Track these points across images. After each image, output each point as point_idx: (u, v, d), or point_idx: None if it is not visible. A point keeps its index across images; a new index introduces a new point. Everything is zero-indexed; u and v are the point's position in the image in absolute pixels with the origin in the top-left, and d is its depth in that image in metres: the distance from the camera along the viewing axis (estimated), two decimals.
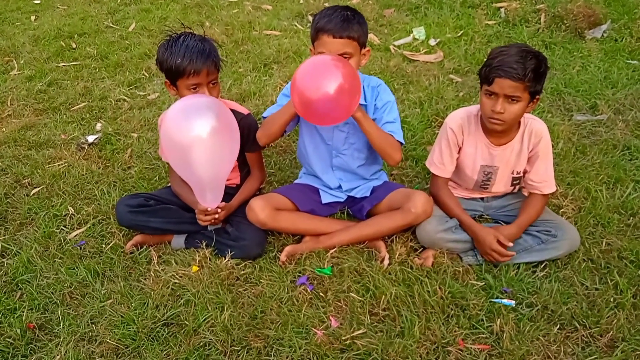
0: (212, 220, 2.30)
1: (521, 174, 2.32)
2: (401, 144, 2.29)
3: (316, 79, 2.01)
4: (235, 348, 1.94)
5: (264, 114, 2.37)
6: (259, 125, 2.40)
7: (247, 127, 2.38)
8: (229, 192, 2.45)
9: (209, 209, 2.25)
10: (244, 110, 2.48)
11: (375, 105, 2.33)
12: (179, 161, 2.11)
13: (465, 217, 2.29)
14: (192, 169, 2.08)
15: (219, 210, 2.28)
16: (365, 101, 2.33)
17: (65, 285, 2.25)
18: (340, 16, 2.15)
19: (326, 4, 5.13)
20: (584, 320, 1.96)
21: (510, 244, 2.18)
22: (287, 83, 2.45)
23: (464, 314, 2.01)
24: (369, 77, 2.41)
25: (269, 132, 2.30)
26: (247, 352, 1.93)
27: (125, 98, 3.79)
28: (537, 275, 2.18)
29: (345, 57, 2.14)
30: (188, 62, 2.20)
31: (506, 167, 2.30)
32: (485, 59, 2.16)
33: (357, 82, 2.04)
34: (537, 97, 2.11)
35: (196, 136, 2.01)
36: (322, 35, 2.15)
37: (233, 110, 2.42)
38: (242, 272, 2.24)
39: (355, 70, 2.08)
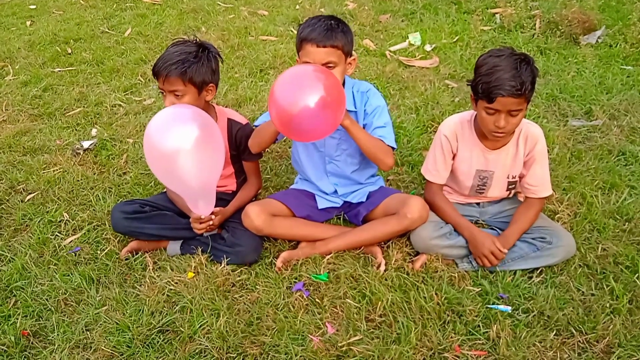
0: (207, 228, 2.30)
1: (517, 179, 2.32)
2: (393, 148, 2.29)
3: (295, 92, 1.92)
4: (231, 355, 1.93)
5: (256, 122, 2.36)
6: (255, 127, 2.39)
7: (245, 136, 2.38)
8: (225, 199, 2.45)
9: (202, 217, 2.25)
10: (242, 119, 2.48)
11: (365, 110, 2.32)
12: (164, 172, 2.08)
13: (463, 220, 2.29)
14: (178, 180, 2.06)
15: (213, 216, 2.28)
16: (355, 107, 2.32)
17: (60, 291, 2.24)
18: (323, 25, 2.13)
19: (322, 10, 5.16)
20: (580, 326, 1.96)
21: (506, 251, 2.18)
22: None
23: (460, 320, 2.01)
24: (358, 82, 2.39)
25: (259, 142, 2.30)
26: (243, 359, 1.92)
27: (121, 103, 3.79)
28: (533, 281, 2.18)
29: (329, 67, 2.11)
30: (156, 63, 2.22)
31: (502, 171, 2.30)
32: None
33: (341, 94, 1.98)
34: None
35: (178, 147, 1.97)
36: (306, 44, 2.14)
37: (230, 120, 2.43)
38: (238, 278, 2.23)
39: (339, 81, 2.03)
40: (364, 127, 2.29)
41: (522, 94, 2.00)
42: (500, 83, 2.00)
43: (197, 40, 2.32)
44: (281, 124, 1.97)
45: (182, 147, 1.97)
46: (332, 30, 2.13)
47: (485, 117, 2.11)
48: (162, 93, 2.26)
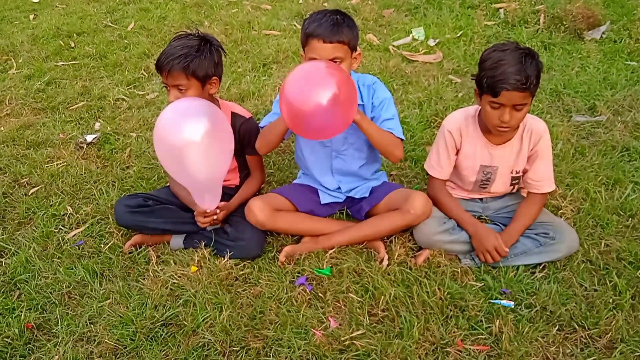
0: (212, 222, 2.30)
1: (520, 174, 2.32)
2: (401, 139, 2.29)
3: (308, 89, 1.91)
4: (234, 348, 1.94)
5: (261, 124, 2.34)
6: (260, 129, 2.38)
7: (249, 130, 2.38)
8: (229, 193, 2.45)
9: (208, 211, 2.25)
10: (245, 113, 2.47)
11: (372, 103, 2.32)
12: (173, 164, 2.09)
13: (466, 216, 2.29)
14: (186, 173, 2.08)
15: (217, 211, 2.28)
16: (362, 101, 2.32)
17: (64, 285, 2.25)
18: (329, 20, 2.12)
19: (325, 4, 5.14)
20: (583, 322, 1.96)
21: (507, 250, 2.18)
22: None
23: (463, 314, 2.01)
24: (363, 75, 2.39)
25: (267, 143, 2.29)
26: (246, 353, 1.93)
27: (124, 97, 3.79)
28: (536, 276, 2.18)
29: (336, 62, 2.11)
30: (159, 58, 2.22)
31: (506, 166, 2.30)
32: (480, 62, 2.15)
33: (354, 91, 1.98)
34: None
35: (188, 139, 1.98)
36: (312, 40, 2.13)
37: (234, 114, 2.43)
38: (241, 272, 2.24)
39: (351, 77, 2.02)
40: (371, 120, 2.29)
41: (527, 88, 2.00)
42: (505, 77, 2.00)
43: (200, 33, 2.31)
44: (293, 121, 1.97)
45: (192, 139, 1.98)
46: (338, 26, 2.12)
47: (489, 112, 2.10)
48: (166, 87, 2.26)
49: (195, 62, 2.20)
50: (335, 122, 1.96)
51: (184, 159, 2.01)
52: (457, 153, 2.34)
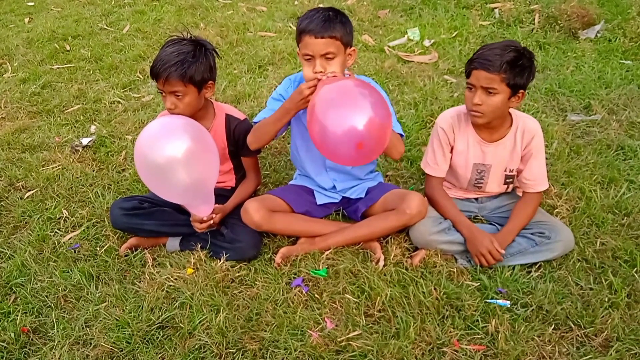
0: (209, 226, 2.30)
1: (514, 173, 2.33)
2: (402, 135, 2.29)
3: (344, 117, 1.83)
4: (231, 350, 1.94)
5: (255, 119, 2.34)
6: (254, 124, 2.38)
7: (244, 132, 2.38)
8: (225, 195, 2.45)
9: (204, 218, 2.25)
10: (240, 115, 2.47)
11: None
12: (161, 189, 2.09)
13: (462, 218, 2.29)
14: (175, 194, 2.09)
15: (213, 215, 2.28)
16: None
17: (60, 288, 2.24)
18: (321, 16, 2.14)
19: (321, 5, 5.14)
20: (579, 320, 1.97)
21: (503, 251, 2.18)
22: (278, 86, 2.44)
23: (459, 314, 2.01)
24: (358, 76, 2.38)
25: (259, 138, 2.29)
26: (242, 355, 1.92)
27: (120, 100, 3.78)
28: (532, 275, 2.18)
29: (329, 57, 2.12)
30: (154, 65, 2.21)
31: (499, 164, 2.31)
32: None
33: (387, 109, 1.91)
34: (522, 91, 2.11)
35: (169, 166, 1.98)
36: (305, 36, 2.13)
37: (229, 115, 2.43)
38: (237, 274, 2.24)
39: (382, 95, 1.97)
40: None
41: (495, 69, 2.03)
42: (478, 57, 2.08)
43: (192, 37, 2.31)
44: (323, 144, 1.91)
45: (174, 165, 1.98)
46: (330, 21, 2.12)
47: (466, 95, 2.17)
48: (162, 94, 2.25)
49: (192, 68, 2.19)
50: (375, 148, 1.91)
51: (170, 183, 2.01)
52: (451, 150, 2.35)
